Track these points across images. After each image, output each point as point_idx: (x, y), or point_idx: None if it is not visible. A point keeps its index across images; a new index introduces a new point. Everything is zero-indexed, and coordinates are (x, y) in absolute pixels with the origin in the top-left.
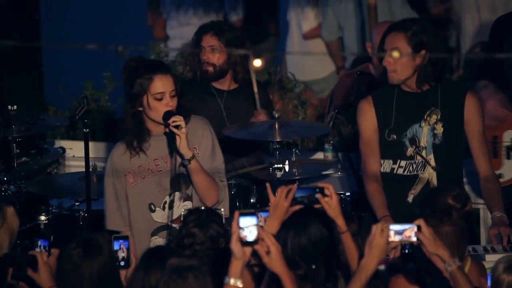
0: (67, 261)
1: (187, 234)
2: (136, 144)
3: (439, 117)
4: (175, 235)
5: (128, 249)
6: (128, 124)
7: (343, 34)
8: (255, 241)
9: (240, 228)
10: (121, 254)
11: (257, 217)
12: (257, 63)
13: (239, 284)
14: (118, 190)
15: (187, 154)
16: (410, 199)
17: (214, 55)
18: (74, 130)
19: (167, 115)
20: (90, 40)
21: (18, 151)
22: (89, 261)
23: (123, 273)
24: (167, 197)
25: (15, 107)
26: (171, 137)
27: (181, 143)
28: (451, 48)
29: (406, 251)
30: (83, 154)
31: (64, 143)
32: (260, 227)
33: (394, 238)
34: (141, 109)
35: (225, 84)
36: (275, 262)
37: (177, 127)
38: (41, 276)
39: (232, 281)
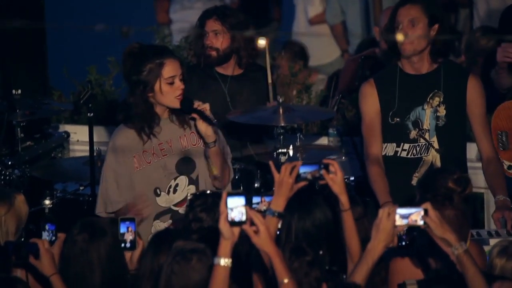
0: (72, 247)
1: (194, 219)
2: (147, 130)
3: (441, 99)
4: (177, 219)
5: (135, 231)
6: (139, 109)
7: (346, 18)
8: (244, 221)
9: (228, 208)
10: (129, 237)
11: (245, 197)
12: (262, 42)
13: (229, 264)
14: (121, 175)
15: (213, 137)
16: (414, 182)
17: (218, 39)
18: (78, 114)
19: (187, 101)
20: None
21: (22, 135)
22: (96, 244)
23: (127, 255)
24: (172, 181)
25: (19, 91)
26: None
27: (208, 127)
28: (459, 31)
29: (403, 243)
30: (87, 139)
31: (69, 128)
32: (247, 207)
33: (400, 221)
34: (151, 94)
35: (229, 69)
36: (264, 241)
37: (198, 112)
38: (43, 264)
39: (222, 261)
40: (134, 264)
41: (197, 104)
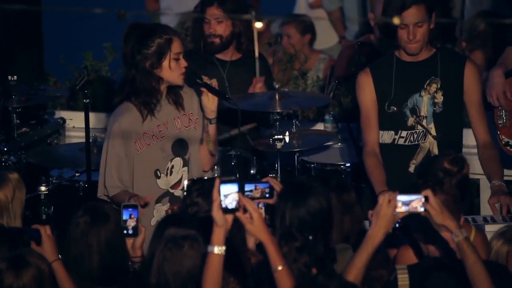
0: (75, 228)
1: (191, 203)
2: (153, 106)
3: (439, 86)
4: (175, 202)
5: (137, 218)
6: (144, 84)
7: (343, 4)
8: (237, 209)
9: (221, 195)
10: (131, 223)
11: (238, 184)
12: (258, 25)
13: (222, 251)
14: (123, 158)
15: (215, 113)
16: (411, 169)
17: (221, 26)
18: (74, 100)
19: (194, 75)
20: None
21: (18, 121)
22: (97, 229)
23: (129, 242)
24: (169, 162)
25: (15, 77)
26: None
27: (214, 102)
28: (454, 17)
29: (397, 225)
30: (83, 125)
31: (64, 114)
32: (240, 194)
33: (401, 208)
34: (158, 70)
35: (228, 55)
36: (258, 228)
37: (207, 86)
38: (44, 250)
39: (215, 249)
40: (136, 251)
41: (205, 79)
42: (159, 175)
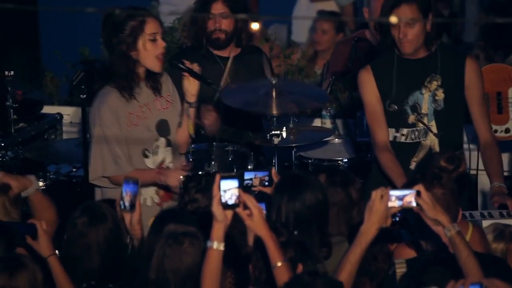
0: (72, 229)
1: (190, 200)
2: (129, 90)
3: (439, 83)
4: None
5: (135, 191)
6: (121, 68)
7: None
8: (237, 204)
9: (221, 191)
10: (129, 198)
11: (239, 180)
12: (255, 26)
13: (222, 247)
14: (119, 135)
15: (195, 97)
16: (412, 166)
17: (226, 22)
18: (71, 96)
19: (175, 59)
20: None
21: (15, 117)
22: (95, 229)
23: (127, 217)
24: (154, 142)
25: (12, 72)
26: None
27: (195, 86)
28: (455, 13)
29: (397, 218)
30: (80, 120)
31: (61, 109)
32: (241, 190)
33: (394, 203)
34: (135, 52)
35: (227, 51)
36: (258, 224)
37: (189, 70)
38: (40, 244)
39: (215, 244)
40: (134, 227)
41: (187, 63)
42: (147, 154)
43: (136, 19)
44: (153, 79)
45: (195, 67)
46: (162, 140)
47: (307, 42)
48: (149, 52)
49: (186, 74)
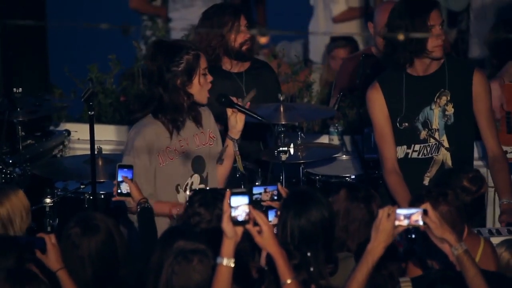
0: (66, 240)
1: (193, 214)
2: (180, 123)
3: (449, 98)
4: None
5: (131, 179)
6: (172, 101)
7: None
8: (247, 221)
9: (231, 207)
10: (125, 186)
11: (249, 197)
12: (264, 39)
13: (232, 264)
14: (147, 168)
15: (240, 134)
16: (426, 182)
17: (250, 34)
18: (79, 112)
19: (225, 96)
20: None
21: (23, 133)
22: (87, 240)
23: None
24: (189, 178)
25: (20, 89)
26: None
27: (242, 123)
28: (463, 31)
29: (413, 235)
30: (88, 137)
31: (69, 126)
32: (251, 206)
33: (401, 222)
34: (189, 86)
35: (237, 66)
36: (268, 241)
37: (239, 107)
38: (49, 258)
39: (225, 261)
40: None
41: (236, 100)
42: (179, 190)
43: (191, 53)
44: (195, 110)
45: (240, 103)
46: (196, 177)
47: (324, 67)
48: (203, 87)
49: (234, 110)
